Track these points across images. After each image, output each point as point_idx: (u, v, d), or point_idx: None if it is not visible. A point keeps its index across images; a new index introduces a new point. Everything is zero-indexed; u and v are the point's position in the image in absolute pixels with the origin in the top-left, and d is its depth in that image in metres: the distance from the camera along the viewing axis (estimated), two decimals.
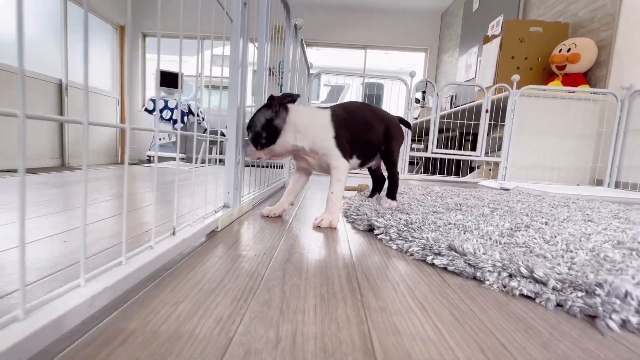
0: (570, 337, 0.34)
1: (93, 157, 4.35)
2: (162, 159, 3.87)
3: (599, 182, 2.39)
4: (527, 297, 0.43)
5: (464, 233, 0.66)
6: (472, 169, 3.34)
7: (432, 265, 0.54)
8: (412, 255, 0.57)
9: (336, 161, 0.79)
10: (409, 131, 2.74)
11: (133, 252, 0.40)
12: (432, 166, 3.65)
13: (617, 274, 0.45)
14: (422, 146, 4.60)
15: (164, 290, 0.39)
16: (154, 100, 3.94)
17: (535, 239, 0.65)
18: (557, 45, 2.61)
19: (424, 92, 5.70)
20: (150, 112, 4.02)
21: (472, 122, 2.88)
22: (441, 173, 3.42)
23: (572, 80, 2.53)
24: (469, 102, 3.02)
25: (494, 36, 2.99)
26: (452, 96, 4.87)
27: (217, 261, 0.51)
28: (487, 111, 2.43)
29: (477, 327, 0.35)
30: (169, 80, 4.09)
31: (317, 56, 6.03)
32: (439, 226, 0.71)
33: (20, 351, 0.22)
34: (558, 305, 0.41)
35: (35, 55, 3.49)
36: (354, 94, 6.21)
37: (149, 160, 4.16)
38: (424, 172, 3.80)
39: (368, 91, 6.13)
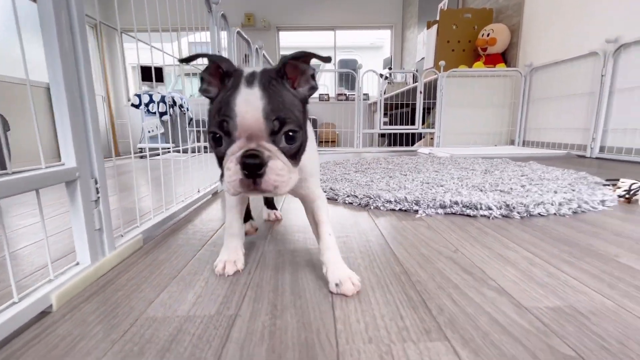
0: (410, 216, 0.90)
1: None
2: (154, 152, 4.30)
3: (512, 142, 3.00)
4: (405, 210, 1.00)
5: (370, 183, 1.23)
6: (420, 139, 3.91)
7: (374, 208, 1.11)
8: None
9: (319, 189, 0.57)
10: (380, 105, 3.24)
11: None
12: (392, 138, 4.21)
13: (438, 194, 1.02)
14: (387, 119, 5.14)
15: None
16: (139, 96, 4.30)
17: (413, 182, 1.22)
18: (481, 30, 3.12)
19: (390, 68, 6.15)
20: (137, 107, 4.39)
21: (411, 100, 3.42)
22: (401, 144, 3.98)
23: (492, 59, 3.07)
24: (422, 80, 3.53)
25: (435, 22, 3.46)
26: (414, 73, 5.34)
27: None
28: (420, 92, 2.97)
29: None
30: (150, 74, 4.43)
31: (290, 37, 6.32)
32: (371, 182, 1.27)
33: None
34: (408, 211, 0.98)
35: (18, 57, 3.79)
36: (327, 74, 6.57)
37: (141, 152, 4.58)
38: (389, 145, 4.36)
39: (342, 66, 6.50)
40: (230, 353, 0.37)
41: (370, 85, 6.46)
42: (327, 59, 0.45)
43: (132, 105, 4.41)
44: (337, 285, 0.49)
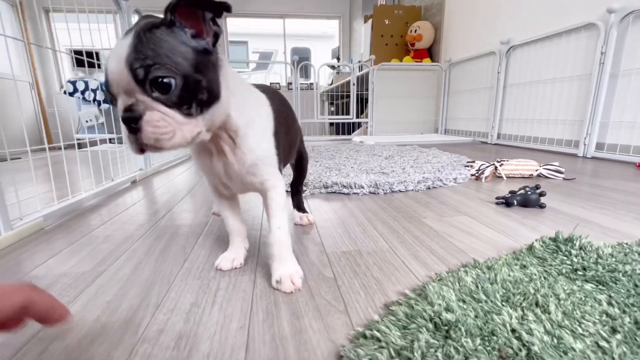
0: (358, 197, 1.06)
1: (15, 145, 4.38)
2: (93, 144, 4.11)
3: (436, 130, 3.34)
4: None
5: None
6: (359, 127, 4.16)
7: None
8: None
9: (275, 178, 0.54)
10: (317, 96, 3.40)
11: None
12: (337, 127, 4.41)
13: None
14: (334, 108, 5.33)
15: None
16: (73, 82, 4.05)
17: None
18: (410, 26, 3.38)
19: (338, 59, 6.32)
20: (71, 94, 4.14)
21: (346, 92, 3.63)
22: (347, 133, 4.20)
23: (419, 54, 3.36)
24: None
25: (371, 16, 3.66)
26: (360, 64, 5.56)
27: None
28: (353, 84, 3.18)
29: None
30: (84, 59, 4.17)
31: (238, 23, 6.22)
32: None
33: None
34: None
35: None
36: (282, 58, 6.56)
37: (79, 144, 4.34)
38: (336, 133, 4.57)
39: (295, 54, 6.54)
40: (90, 293, 0.51)
41: (320, 74, 6.56)
42: (224, 6, 0.39)
43: (66, 92, 4.15)
44: (277, 282, 0.51)
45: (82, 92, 4.20)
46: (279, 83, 6.08)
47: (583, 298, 0.42)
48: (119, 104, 0.39)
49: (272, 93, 0.59)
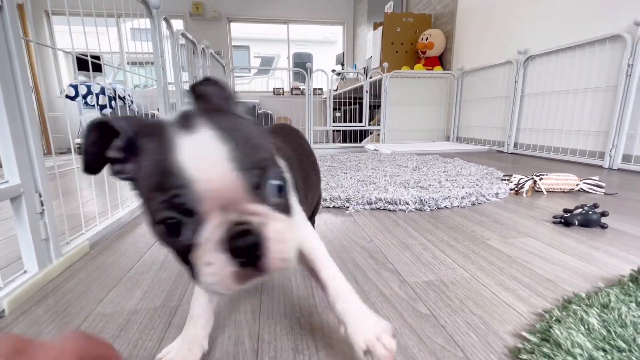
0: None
1: None
2: None
3: (448, 138, 3.33)
4: (339, 207, 1.11)
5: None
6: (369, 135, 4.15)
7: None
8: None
9: (306, 227, 0.45)
10: (329, 103, 3.37)
11: None
12: (344, 134, 4.39)
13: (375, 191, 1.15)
14: (340, 114, 5.32)
15: None
16: (74, 87, 3.98)
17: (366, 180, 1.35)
18: (421, 34, 3.38)
19: (342, 65, 6.32)
20: (72, 98, 4.06)
21: (354, 98, 3.61)
22: (355, 140, 4.17)
23: (431, 62, 3.36)
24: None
25: (381, 23, 3.66)
26: (365, 69, 5.56)
27: None
28: (366, 91, 3.17)
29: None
30: (86, 63, 4.10)
31: (242, 29, 6.20)
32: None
33: None
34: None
35: None
36: (283, 63, 6.55)
37: (80, 149, 4.25)
38: (342, 140, 4.54)
39: (296, 60, 6.54)
40: (172, 335, 0.46)
41: (324, 81, 6.55)
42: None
43: (67, 97, 4.07)
44: (365, 353, 0.36)
45: (84, 97, 4.12)
46: (282, 88, 6.06)
47: None
48: (208, 227, 0.26)
49: (283, 136, 0.53)
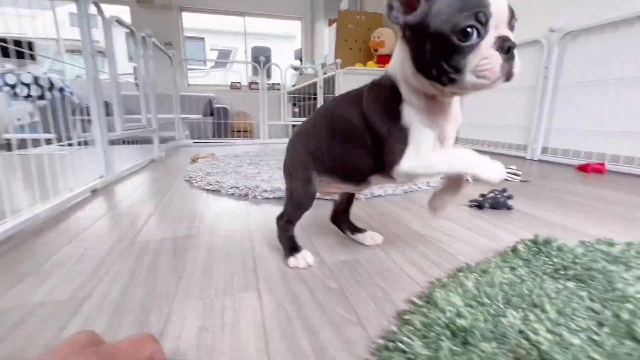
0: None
1: None
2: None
3: None
4: (279, 198, 1.12)
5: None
6: None
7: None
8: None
9: None
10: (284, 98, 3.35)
11: None
12: None
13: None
14: (297, 110, 5.33)
15: None
16: (1, 75, 3.57)
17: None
18: (373, 33, 3.49)
19: (301, 60, 6.32)
20: None
21: (311, 94, 3.66)
22: None
23: (383, 60, 3.48)
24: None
25: (335, 20, 3.72)
26: (322, 65, 5.60)
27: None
28: (320, 87, 3.22)
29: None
30: (17, 48, 3.70)
31: (194, 19, 5.95)
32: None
33: None
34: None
35: None
36: (242, 57, 6.40)
37: (9, 145, 3.84)
38: None
39: (255, 54, 6.40)
40: (76, 323, 0.46)
41: (283, 75, 6.50)
42: None
43: None
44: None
45: (12, 87, 3.72)
46: (239, 82, 5.93)
47: (569, 296, 0.47)
48: (489, 35, 0.42)
49: None
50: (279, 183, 1.19)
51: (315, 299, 0.52)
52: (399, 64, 0.51)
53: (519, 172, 1.39)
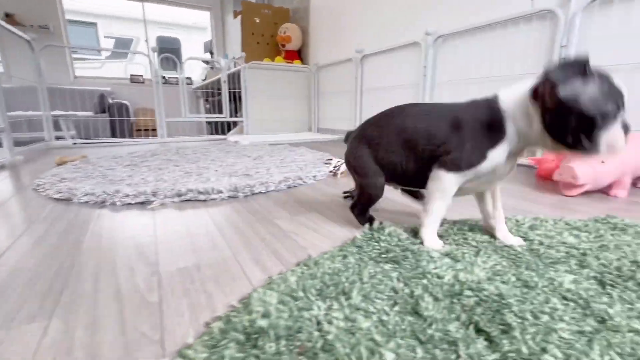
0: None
1: None
2: None
3: (310, 129, 3.56)
4: (143, 202, 0.96)
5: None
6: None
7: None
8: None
9: None
10: (183, 92, 3.07)
11: None
12: (214, 126, 4.17)
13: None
14: (209, 105, 5.02)
15: None
16: None
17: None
18: (280, 27, 3.46)
19: (211, 53, 5.96)
20: None
21: (215, 89, 3.50)
22: (225, 132, 3.99)
23: (290, 55, 3.48)
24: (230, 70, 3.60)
25: (240, 12, 3.57)
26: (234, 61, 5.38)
27: None
28: (224, 82, 3.07)
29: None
30: None
31: (82, 5, 5.14)
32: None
33: None
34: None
35: None
36: (144, 47, 5.74)
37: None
38: (211, 133, 4.29)
39: (162, 45, 5.81)
40: None
41: (194, 69, 6.08)
42: None
43: None
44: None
45: None
46: (141, 75, 5.34)
47: (381, 278, 0.50)
48: (616, 120, 0.52)
49: None
50: (149, 186, 1.06)
51: (120, 318, 0.45)
52: (520, 113, 0.57)
53: None
